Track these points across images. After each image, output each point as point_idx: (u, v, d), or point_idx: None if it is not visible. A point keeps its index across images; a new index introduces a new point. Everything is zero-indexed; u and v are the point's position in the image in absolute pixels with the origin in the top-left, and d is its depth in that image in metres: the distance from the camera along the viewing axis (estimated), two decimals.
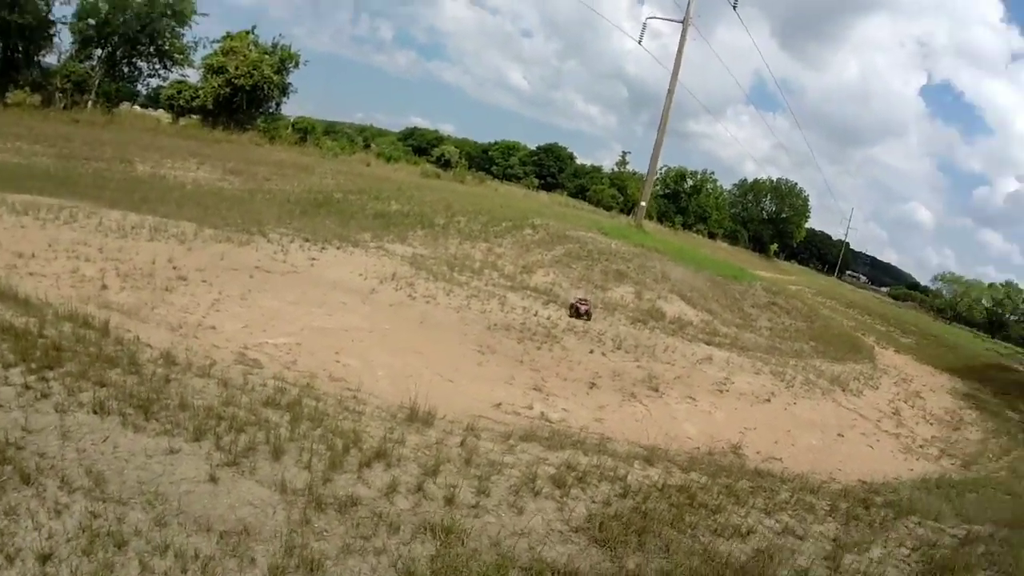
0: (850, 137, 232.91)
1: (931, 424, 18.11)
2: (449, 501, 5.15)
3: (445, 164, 62.90)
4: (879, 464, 12.45)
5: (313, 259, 14.29)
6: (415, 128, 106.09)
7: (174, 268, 11.46)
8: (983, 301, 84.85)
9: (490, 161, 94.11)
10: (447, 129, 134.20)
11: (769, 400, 14.70)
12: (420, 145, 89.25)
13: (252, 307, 10.49)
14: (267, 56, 42.51)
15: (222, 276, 11.64)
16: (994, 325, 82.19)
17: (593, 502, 5.99)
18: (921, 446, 15.15)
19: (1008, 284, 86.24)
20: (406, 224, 20.59)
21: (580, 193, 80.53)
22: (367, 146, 63.86)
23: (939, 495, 10.34)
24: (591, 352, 13.75)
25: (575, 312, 15.42)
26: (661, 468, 7.96)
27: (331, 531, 4.45)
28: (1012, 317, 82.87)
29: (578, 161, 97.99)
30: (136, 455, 4.66)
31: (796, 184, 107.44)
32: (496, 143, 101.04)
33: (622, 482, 6.70)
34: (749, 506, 7.06)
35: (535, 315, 14.98)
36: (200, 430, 5.17)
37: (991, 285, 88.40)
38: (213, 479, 4.62)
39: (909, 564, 6.54)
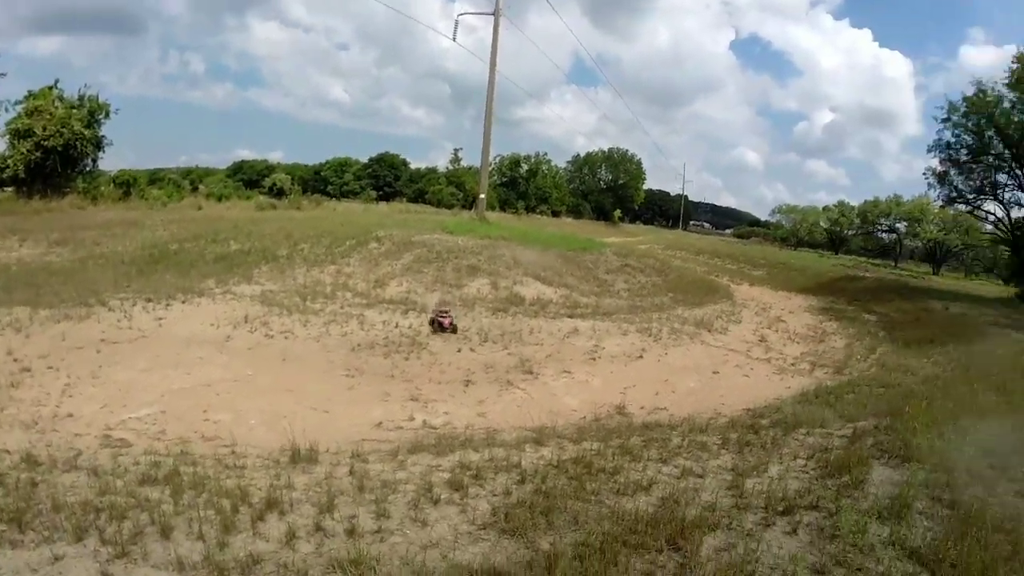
0: (671, 98, 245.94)
1: (797, 343, 19.37)
2: (351, 533, 5.14)
3: (279, 193, 61.10)
4: (758, 390, 13.17)
5: (160, 319, 13.67)
6: (242, 161, 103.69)
7: (15, 360, 10.63)
8: (821, 223, 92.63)
9: (324, 182, 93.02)
10: (275, 157, 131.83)
11: (641, 356, 15.33)
12: (250, 178, 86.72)
13: (106, 384, 9.93)
14: (75, 111, 39.02)
15: (68, 358, 10.94)
16: (835, 242, 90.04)
17: (494, 495, 6.11)
18: (793, 364, 16.19)
19: (840, 204, 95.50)
20: (249, 262, 19.98)
21: (419, 197, 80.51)
22: (195, 189, 60.92)
23: (820, 403, 11.09)
24: (459, 351, 13.93)
25: (438, 327, 14.91)
26: (553, 446, 8.19)
27: None
28: (849, 232, 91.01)
29: (412, 166, 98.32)
30: (20, 572, 4.38)
31: (628, 150, 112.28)
32: (327, 162, 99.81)
33: (518, 469, 6.85)
34: (645, 459, 7.38)
35: (396, 327, 14.99)
36: (81, 528, 4.88)
37: (825, 208, 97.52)
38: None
39: (807, 472, 7.04)
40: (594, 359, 14.65)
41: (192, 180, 71.60)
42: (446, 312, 15.31)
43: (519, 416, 10.26)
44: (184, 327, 13.35)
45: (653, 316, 20.03)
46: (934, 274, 68.27)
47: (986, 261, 73.30)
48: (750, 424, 9.46)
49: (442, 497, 5.96)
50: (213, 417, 9.04)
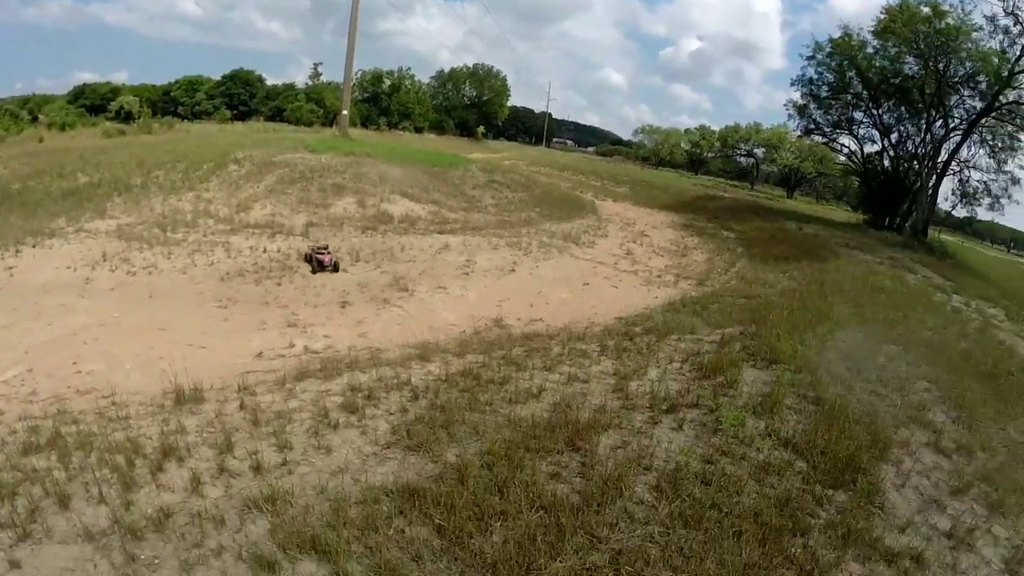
0: (540, 16, 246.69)
1: (662, 256, 20.25)
2: (257, 470, 5.12)
3: (127, 117, 57.40)
4: (628, 300, 13.81)
5: (10, 268, 12.66)
6: (84, 85, 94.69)
7: None
8: (682, 145, 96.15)
9: (175, 102, 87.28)
10: (120, 78, 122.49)
11: (513, 270, 15.72)
12: (94, 103, 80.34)
13: None
14: None
15: None
16: (695, 164, 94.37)
17: (390, 414, 6.26)
18: (659, 276, 16.96)
19: (702, 127, 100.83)
20: (100, 195, 18.78)
21: (277, 115, 76.84)
22: (35, 119, 55.97)
23: (687, 312, 11.79)
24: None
25: (319, 265, 14.03)
26: (438, 361, 8.43)
27: (161, 555, 4.20)
28: (709, 154, 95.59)
29: (269, 83, 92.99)
30: None
31: (493, 67, 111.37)
32: (177, 81, 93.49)
33: (408, 386, 7.03)
34: (530, 369, 7.75)
35: (264, 252, 14.75)
36: None
37: (687, 130, 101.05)
38: (14, 564, 4.06)
39: (684, 374, 7.62)
40: (467, 274, 14.90)
41: (30, 109, 65.92)
42: (324, 249, 14.62)
43: (400, 334, 10.42)
44: (38, 274, 12.47)
45: (522, 231, 20.46)
46: (788, 198, 72.97)
47: (837, 189, 78.34)
48: (624, 332, 10.05)
49: (340, 421, 6.04)
50: (85, 368, 8.53)
